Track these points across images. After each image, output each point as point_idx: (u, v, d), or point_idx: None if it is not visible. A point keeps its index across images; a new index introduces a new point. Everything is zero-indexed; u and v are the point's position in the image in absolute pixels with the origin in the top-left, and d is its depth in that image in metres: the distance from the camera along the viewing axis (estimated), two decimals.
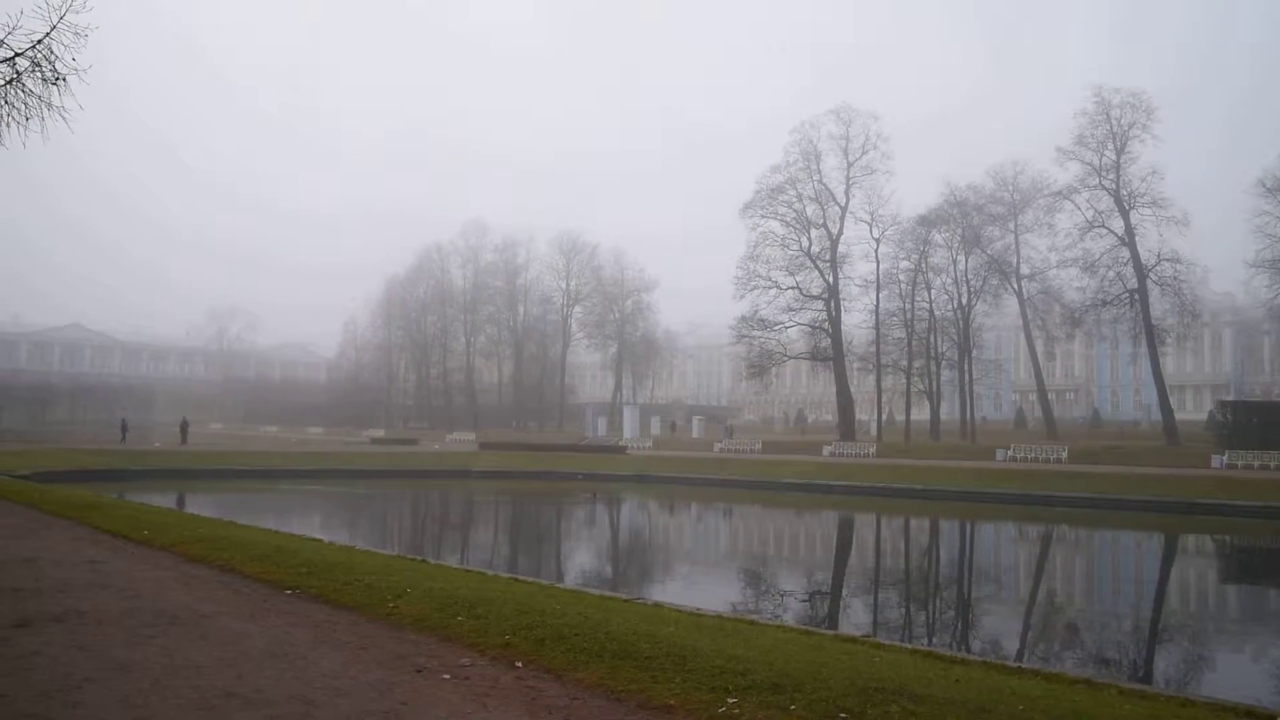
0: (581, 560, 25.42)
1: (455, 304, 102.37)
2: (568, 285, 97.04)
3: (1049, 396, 72.00)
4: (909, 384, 68.05)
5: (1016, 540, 31.79)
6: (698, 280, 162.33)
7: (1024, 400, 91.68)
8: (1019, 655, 13.76)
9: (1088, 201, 57.03)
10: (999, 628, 16.86)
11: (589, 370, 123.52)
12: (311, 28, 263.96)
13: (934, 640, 15.03)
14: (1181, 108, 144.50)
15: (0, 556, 11.31)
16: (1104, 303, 55.39)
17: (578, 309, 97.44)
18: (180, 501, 33.18)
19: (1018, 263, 65.74)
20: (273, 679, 5.97)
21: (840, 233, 65.28)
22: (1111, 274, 55.17)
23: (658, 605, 10.79)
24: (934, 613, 18.99)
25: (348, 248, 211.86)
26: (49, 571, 10.25)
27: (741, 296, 64.70)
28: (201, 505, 30.57)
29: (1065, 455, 49.94)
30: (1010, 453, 52.52)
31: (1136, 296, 54.19)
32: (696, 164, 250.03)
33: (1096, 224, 56.22)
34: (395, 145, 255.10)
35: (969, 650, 13.37)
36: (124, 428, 65.51)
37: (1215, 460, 43.42)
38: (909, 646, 9.37)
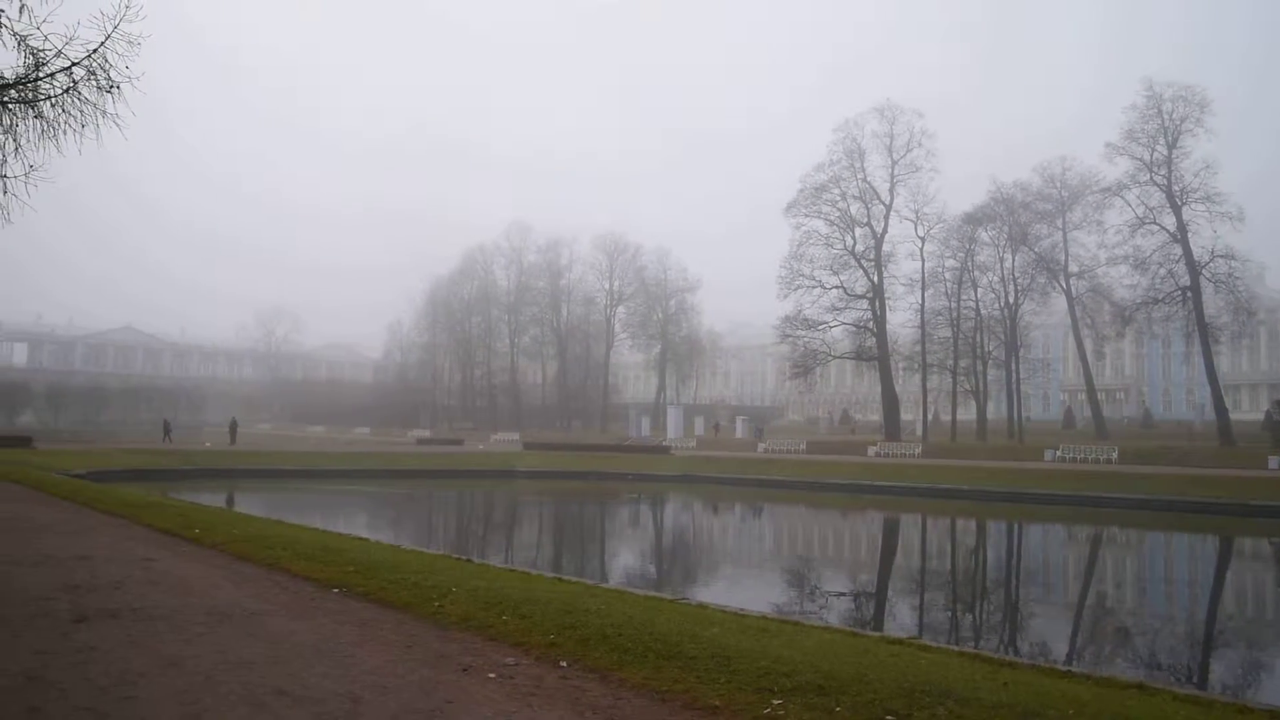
0: (625, 560, 25.44)
1: (499, 305, 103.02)
2: (611, 286, 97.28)
3: (1098, 396, 70.78)
4: (955, 384, 67.29)
5: (1065, 542, 31.34)
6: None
7: (1073, 400, 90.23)
8: (1068, 658, 13.55)
9: (1138, 198, 55.96)
10: (1047, 630, 16.60)
11: (632, 370, 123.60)
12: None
13: (981, 642, 14.83)
14: (1236, 101, 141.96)
15: (58, 554, 11.54)
16: (1155, 301, 54.30)
17: (621, 309, 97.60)
18: (230, 500, 33.68)
19: (1066, 260, 64.72)
20: (320, 676, 6.03)
21: (885, 231, 64.88)
22: (1163, 271, 54.08)
23: (702, 606, 10.76)
24: (981, 615, 18.76)
25: (378, 248, 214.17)
26: (104, 569, 10.45)
27: (785, 296, 64.47)
28: (250, 504, 31.01)
29: (1115, 456, 49.11)
30: (1059, 453, 51.74)
31: (1189, 294, 53.07)
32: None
33: (1147, 220, 55.15)
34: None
35: (1017, 653, 13.21)
36: (167, 428, 66.65)
37: (1272, 461, 42.39)
38: (955, 648, 9.25)
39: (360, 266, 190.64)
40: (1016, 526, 33.71)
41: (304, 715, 5.19)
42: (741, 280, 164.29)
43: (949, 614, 18.53)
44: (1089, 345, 70.16)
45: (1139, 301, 55.84)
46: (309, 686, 5.77)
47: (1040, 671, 7.72)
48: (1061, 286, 65.22)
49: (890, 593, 20.70)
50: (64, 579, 9.62)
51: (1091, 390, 68.69)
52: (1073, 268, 64.90)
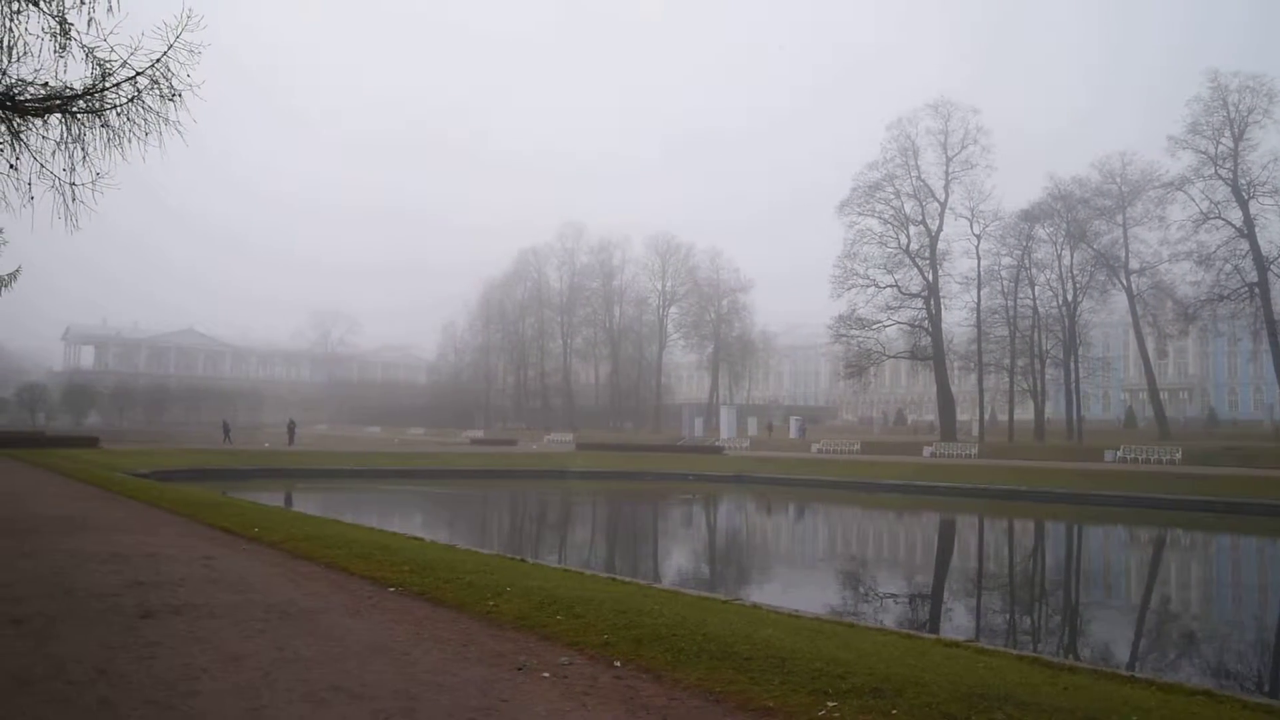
0: (678, 561, 25.41)
1: (552, 306, 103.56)
2: (663, 286, 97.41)
3: (1161, 395, 69.33)
4: (1012, 383, 66.39)
5: (1127, 544, 30.72)
6: None
7: (1134, 399, 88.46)
8: (1131, 663, 13.29)
9: (1202, 192, 54.82)
10: (1109, 634, 16.25)
11: (685, 371, 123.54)
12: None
13: (1040, 646, 14.59)
14: None
15: (125, 551, 11.81)
16: (1220, 297, 53.07)
17: (673, 309, 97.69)
18: (287, 500, 34.19)
19: (1126, 257, 63.44)
20: (377, 674, 6.10)
21: (940, 229, 64.27)
22: (1229, 267, 52.86)
23: (755, 606, 10.72)
24: (1039, 618, 18.44)
25: (431, 249, 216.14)
26: (167, 566, 10.68)
27: (839, 295, 64.20)
28: (308, 504, 31.46)
29: (1179, 457, 48.04)
30: (1120, 454, 50.77)
31: (1256, 290, 51.83)
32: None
33: (1212, 215, 53.95)
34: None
35: (1077, 657, 12.96)
36: (226, 429, 67.89)
37: None
38: (1014, 652, 9.11)
39: (416, 267, 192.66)
40: (1076, 528, 33.08)
41: (361, 712, 5.26)
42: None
43: (1006, 617, 18.27)
44: (1151, 344, 68.71)
45: (1203, 299, 54.64)
46: (366, 684, 5.84)
47: (1102, 676, 7.56)
48: (1122, 284, 63.93)
49: (946, 595, 20.44)
50: (130, 575, 9.85)
51: (1153, 389, 67.26)
52: (1133, 264, 63.62)
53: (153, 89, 8.90)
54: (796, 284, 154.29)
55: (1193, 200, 55.38)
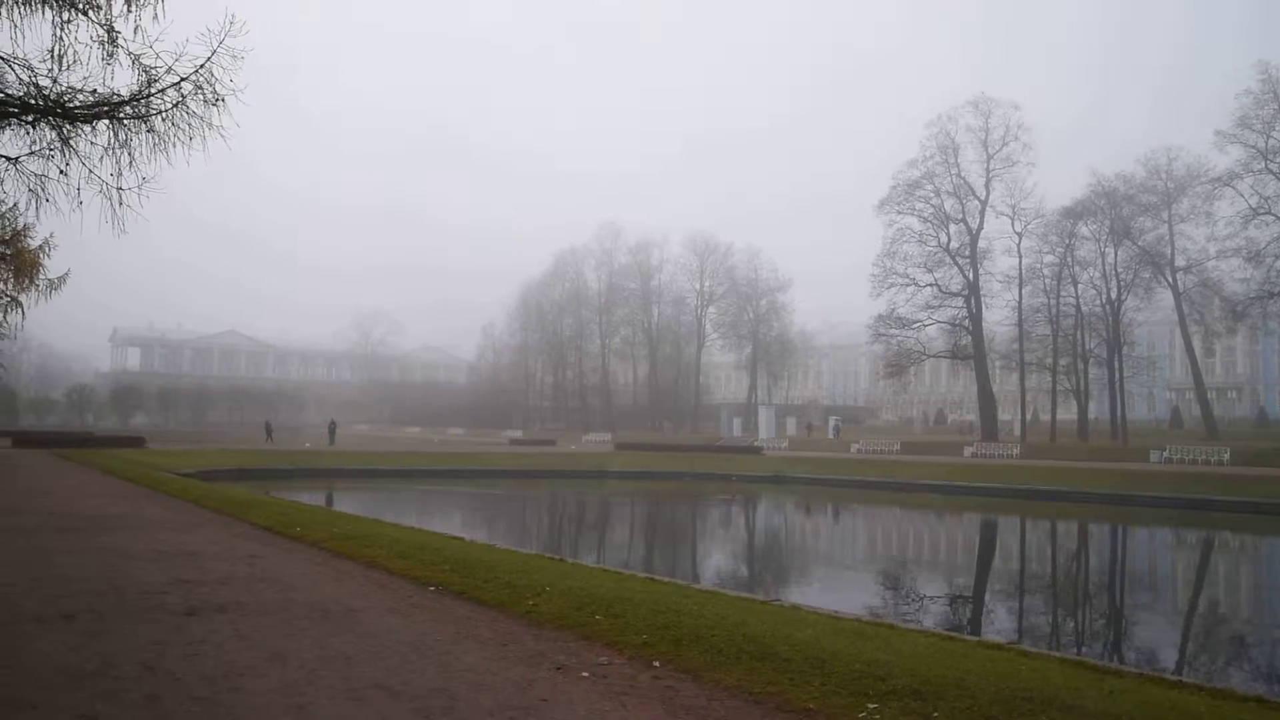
0: (717, 561, 25.37)
1: (590, 306, 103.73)
2: (701, 286, 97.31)
3: (1208, 395, 68.08)
4: (1054, 382, 65.52)
5: (1173, 546, 30.22)
6: None
7: (1180, 399, 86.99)
8: (1178, 668, 13.08)
9: (1252, 187, 53.63)
10: (1155, 638, 15.99)
11: (723, 371, 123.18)
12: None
13: (1084, 649, 14.40)
14: None
15: (170, 550, 11.99)
16: (1271, 294, 51.96)
17: (712, 309, 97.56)
18: (329, 500, 34.54)
19: (1172, 254, 62.26)
20: (417, 672, 6.15)
21: (980, 227, 63.62)
22: (1279, 264, 51.82)
23: (795, 607, 10.67)
24: (1083, 620, 18.20)
25: (466, 251, 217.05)
26: (212, 565, 10.82)
27: (878, 294, 63.69)
28: (348, 503, 31.76)
29: (1227, 457, 47.14)
30: (1165, 454, 49.92)
31: None
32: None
33: (1262, 211, 52.81)
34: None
35: (1122, 660, 12.77)
36: (268, 429, 68.70)
37: None
38: (1057, 655, 8.99)
39: (455, 270, 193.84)
40: (1120, 530, 32.62)
41: (402, 710, 5.30)
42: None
43: (1049, 619, 18.05)
44: (1198, 342, 67.47)
45: (1252, 296, 53.58)
46: (407, 682, 5.88)
47: (1148, 681, 7.44)
48: (1167, 281, 62.74)
49: (987, 596, 20.24)
50: (175, 573, 10.00)
51: (1201, 389, 66.04)
52: (1180, 261, 62.38)
53: (196, 94, 9.04)
54: (823, 282, 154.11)
55: (1241, 196, 54.27)
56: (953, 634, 10.50)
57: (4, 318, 19.44)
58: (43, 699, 5.37)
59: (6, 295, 17.17)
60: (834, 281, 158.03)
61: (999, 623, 16.77)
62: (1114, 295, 62.56)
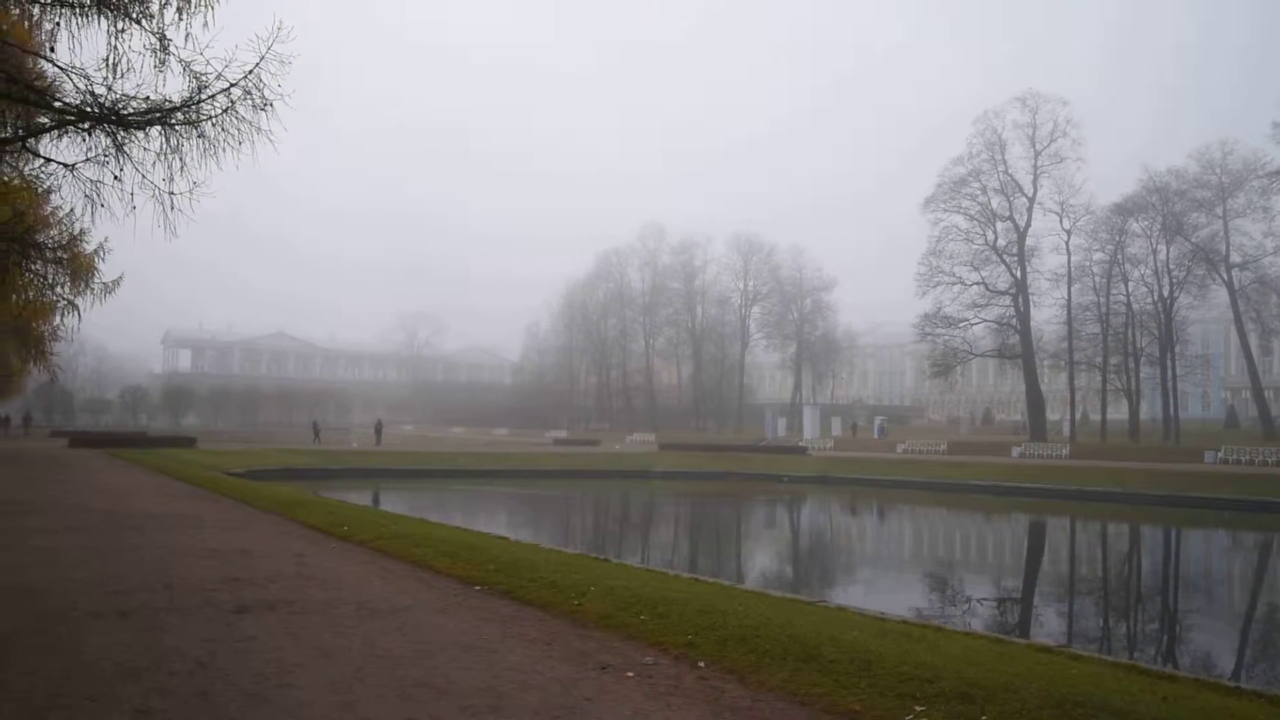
0: (762, 561, 25.29)
1: (634, 306, 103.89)
2: (745, 285, 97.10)
3: (1266, 394, 66.60)
4: (1105, 382, 64.49)
5: (1229, 549, 29.61)
6: None
7: (1236, 398, 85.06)
8: (1235, 674, 12.80)
9: None
10: (1211, 643, 15.66)
11: (768, 370, 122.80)
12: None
13: (1137, 654, 14.15)
14: None
15: (221, 548, 12.18)
16: None
17: (756, 309, 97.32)
18: (375, 499, 34.88)
19: (1227, 251, 61.04)
20: (464, 671, 6.19)
21: (1028, 225, 62.89)
22: None
23: (841, 608, 10.60)
24: (1135, 624, 17.88)
25: (512, 260, 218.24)
26: (261, 563, 10.98)
27: (924, 293, 63.24)
28: (395, 503, 32.05)
29: None
30: (1220, 455, 48.93)
31: None
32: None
33: None
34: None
35: (1176, 666, 12.54)
36: (316, 429, 69.50)
37: None
38: (1109, 659, 8.85)
39: (496, 275, 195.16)
40: (1174, 532, 32.00)
41: (449, 708, 5.34)
42: None
43: (1100, 622, 17.77)
44: (1254, 340, 66.03)
45: None
46: (453, 680, 5.93)
47: (1204, 686, 7.28)
48: (1222, 278, 61.52)
49: (1036, 599, 19.96)
50: (226, 571, 10.16)
51: (1257, 388, 64.66)
52: (1235, 258, 61.16)
53: (245, 99, 9.19)
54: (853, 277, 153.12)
55: None
56: (1001, 636, 10.36)
57: (61, 321, 19.90)
58: (100, 693, 5.48)
59: (63, 299, 17.58)
60: (856, 279, 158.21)
61: (1048, 625, 16.54)
62: (1166, 293, 61.43)
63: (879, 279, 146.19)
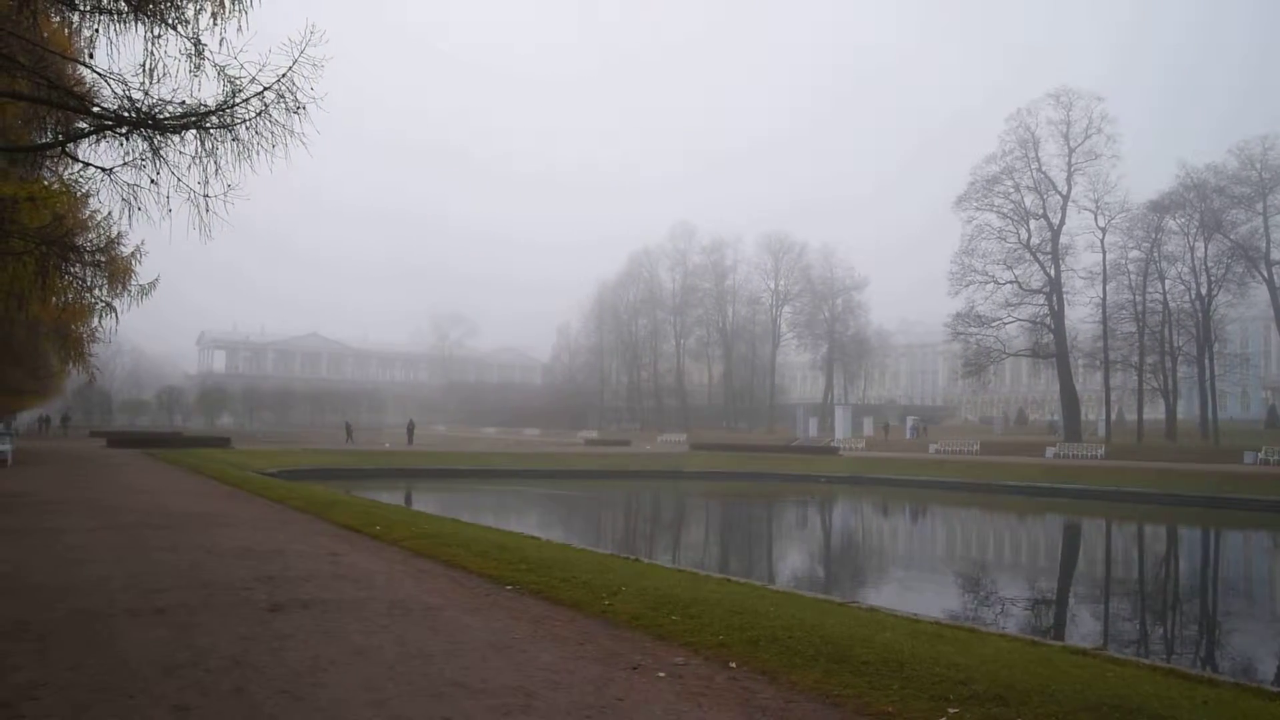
0: (793, 562, 25.20)
1: (665, 306, 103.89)
2: (776, 285, 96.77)
3: None
4: (1141, 381, 63.65)
5: (1270, 551, 29.18)
6: None
7: (1276, 398, 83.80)
8: (1278, 678, 12.61)
9: None
10: (1252, 648, 15.38)
11: (799, 370, 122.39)
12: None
13: (1175, 657, 13.96)
14: None
15: (256, 547, 12.31)
16: None
17: (787, 309, 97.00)
18: (407, 499, 35.10)
19: (1268, 247, 60.03)
20: (495, 670, 6.22)
21: (1062, 223, 62.20)
22: None
23: (873, 609, 10.54)
24: (1173, 627, 17.63)
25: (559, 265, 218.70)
26: (296, 562, 11.08)
27: (957, 292, 62.76)
28: (427, 503, 32.25)
29: None
30: (1261, 455, 48.15)
31: None
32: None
33: None
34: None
35: (1216, 669, 12.36)
36: (349, 430, 70.01)
37: None
38: (1147, 662, 8.74)
39: (528, 281, 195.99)
40: (1212, 533, 31.55)
41: (480, 707, 5.37)
42: None
43: (1137, 625, 17.55)
44: None
45: None
46: (485, 680, 5.96)
47: (1245, 691, 7.15)
48: (1262, 276, 60.52)
49: (1071, 600, 19.76)
50: (261, 570, 10.26)
51: None
52: (1275, 255, 60.15)
53: (279, 103, 9.26)
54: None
55: None
56: (1035, 639, 10.26)
57: (99, 323, 20.15)
58: (139, 689, 5.56)
59: (101, 301, 17.81)
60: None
61: (1084, 628, 16.36)
62: (1204, 291, 60.56)
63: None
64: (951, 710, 5.36)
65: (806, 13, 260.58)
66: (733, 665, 6.45)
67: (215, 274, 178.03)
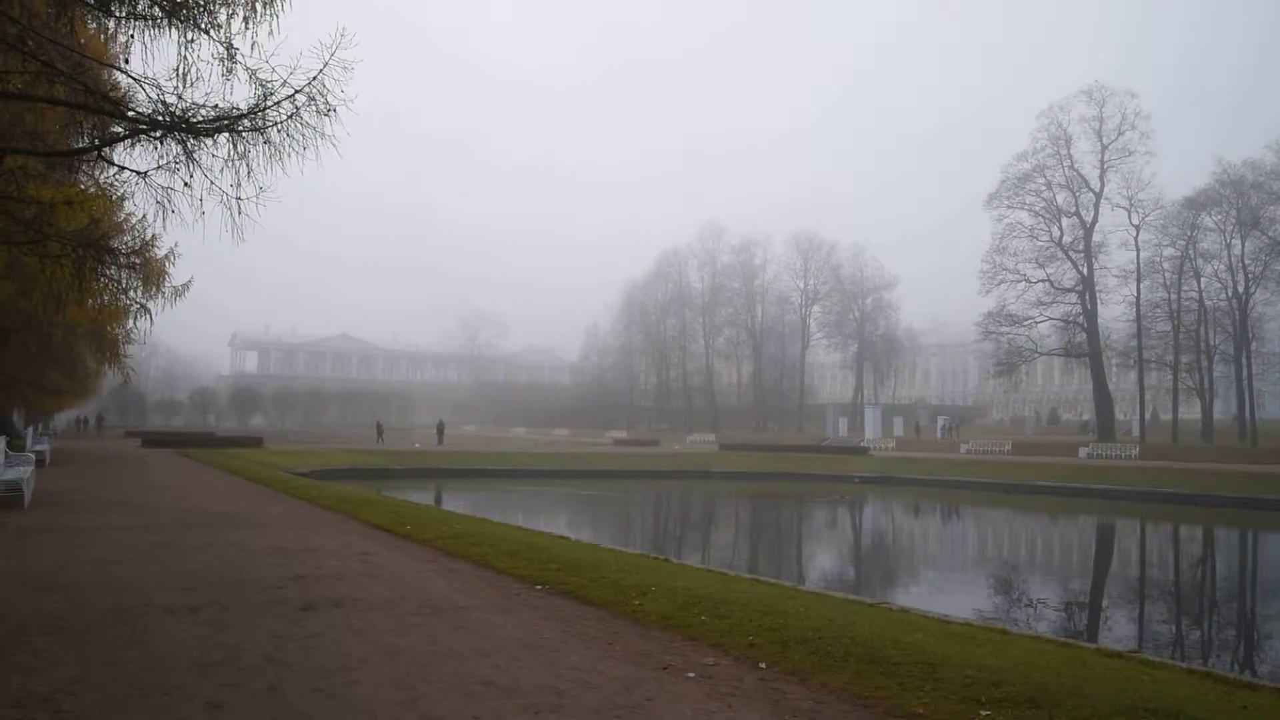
0: (823, 563, 25.09)
1: (693, 306, 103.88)
2: (805, 284, 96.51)
3: None
4: (1176, 381, 62.86)
5: None
6: None
7: None
8: None
9: None
10: None
11: (828, 370, 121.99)
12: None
13: (1212, 660, 13.77)
14: None
15: (288, 547, 12.42)
16: None
17: (816, 308, 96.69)
18: (438, 499, 35.24)
19: None
20: (525, 670, 6.24)
21: (1095, 220, 61.59)
22: None
23: (904, 610, 10.47)
24: (1210, 630, 17.39)
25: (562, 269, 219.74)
26: (327, 561, 11.17)
27: (988, 291, 62.37)
28: (457, 503, 32.36)
29: None
30: None
31: None
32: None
33: None
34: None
35: (1255, 674, 12.18)
36: (379, 430, 70.44)
37: None
38: (1183, 665, 8.62)
39: (554, 284, 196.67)
40: (1250, 535, 31.10)
41: (510, 706, 5.39)
42: None
43: (1173, 627, 17.31)
44: None
45: None
46: (515, 679, 5.98)
47: None
48: None
49: (1105, 602, 19.53)
50: (293, 569, 10.36)
51: None
52: None
53: (310, 105, 9.33)
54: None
55: None
56: (1069, 641, 10.16)
57: (134, 324, 20.40)
58: (174, 686, 5.63)
59: (136, 303, 18.03)
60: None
61: (1118, 630, 16.17)
62: (1241, 289, 59.77)
63: (907, 268, 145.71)
64: (984, 713, 5.32)
65: (821, 11, 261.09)
66: (763, 666, 6.44)
67: (237, 277, 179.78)
